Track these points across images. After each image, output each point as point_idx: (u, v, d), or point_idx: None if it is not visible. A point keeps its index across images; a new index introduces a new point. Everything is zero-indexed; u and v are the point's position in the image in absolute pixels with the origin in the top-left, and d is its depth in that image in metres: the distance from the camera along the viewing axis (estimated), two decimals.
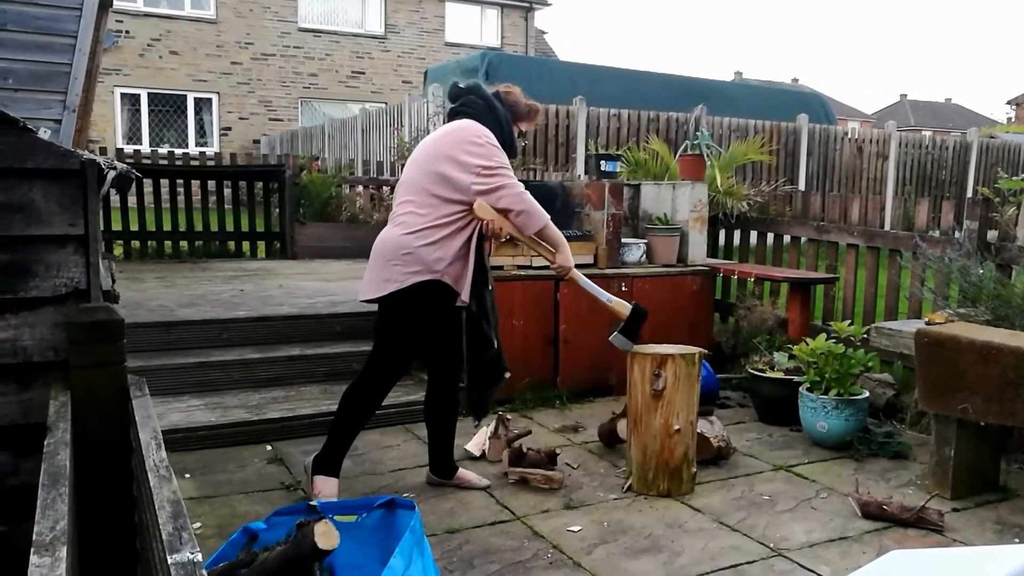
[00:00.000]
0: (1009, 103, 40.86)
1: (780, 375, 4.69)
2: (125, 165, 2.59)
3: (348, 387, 3.53)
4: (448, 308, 3.39)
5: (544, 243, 3.45)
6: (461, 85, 3.63)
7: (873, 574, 1.97)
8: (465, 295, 3.37)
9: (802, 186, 12.05)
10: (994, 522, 3.40)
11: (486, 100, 3.49)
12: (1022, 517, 3.42)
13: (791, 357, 4.71)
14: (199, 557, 0.98)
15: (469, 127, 3.36)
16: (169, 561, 0.96)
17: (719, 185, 6.27)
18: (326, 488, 3.41)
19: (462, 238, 3.30)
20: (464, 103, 3.52)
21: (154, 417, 1.61)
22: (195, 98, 18.68)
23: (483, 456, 4.06)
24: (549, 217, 3.37)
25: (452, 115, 3.55)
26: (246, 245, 9.49)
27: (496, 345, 3.57)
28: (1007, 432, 3.87)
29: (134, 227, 8.96)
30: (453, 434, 3.75)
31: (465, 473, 3.74)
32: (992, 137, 16.53)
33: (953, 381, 3.55)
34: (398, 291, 3.26)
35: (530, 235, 3.38)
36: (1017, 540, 3.19)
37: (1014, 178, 4.87)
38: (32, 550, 1.02)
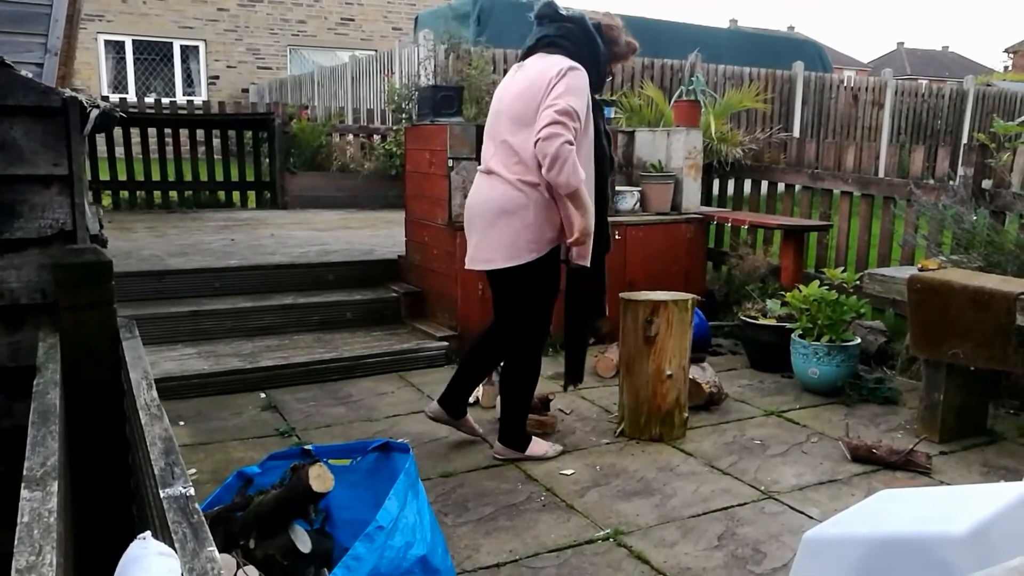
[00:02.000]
0: (1006, 51, 40.49)
1: (772, 322, 4.71)
2: (108, 104, 2.54)
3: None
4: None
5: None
6: (561, 10, 3.19)
7: (861, 513, 1.99)
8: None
9: (797, 134, 11.95)
10: (981, 464, 3.45)
11: (586, 33, 3.14)
12: (1008, 460, 3.48)
13: (783, 304, 4.72)
14: (192, 491, 0.98)
15: (558, 67, 3.01)
16: (162, 495, 0.95)
17: (713, 132, 6.21)
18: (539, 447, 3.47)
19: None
20: (561, 31, 3.13)
21: (144, 358, 1.60)
22: (181, 46, 18.26)
23: (476, 403, 4.07)
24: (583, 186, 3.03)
25: (542, 43, 3.15)
26: (236, 195, 9.39)
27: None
28: (996, 377, 3.90)
29: (122, 177, 8.85)
30: (481, 380, 3.69)
31: (470, 420, 3.59)
32: (989, 85, 16.37)
33: (944, 327, 3.56)
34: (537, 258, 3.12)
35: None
36: (1002, 480, 3.24)
37: (1009, 123, 4.81)
38: (23, 484, 1.02)
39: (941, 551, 1.61)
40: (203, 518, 0.90)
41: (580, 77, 3.03)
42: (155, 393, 1.40)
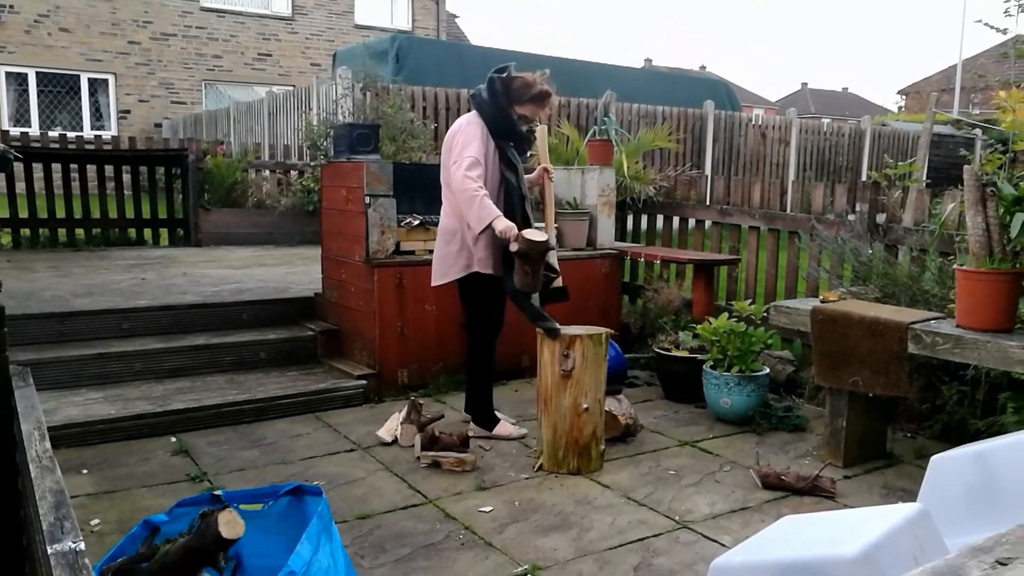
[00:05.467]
0: (900, 93, 42.98)
1: (685, 354, 4.83)
2: (2, 144, 2.43)
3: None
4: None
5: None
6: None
7: (765, 540, 2.06)
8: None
9: (708, 171, 12.38)
10: (881, 487, 3.61)
11: (486, 85, 3.98)
12: (906, 481, 3.64)
13: (695, 336, 4.85)
14: (82, 546, 0.95)
15: (456, 125, 4.01)
16: (49, 552, 0.92)
17: (626, 171, 6.38)
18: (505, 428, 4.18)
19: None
20: (474, 92, 4.06)
21: (38, 407, 1.54)
22: (89, 79, 17.73)
23: (395, 442, 4.04)
24: (483, 217, 3.81)
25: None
26: (147, 233, 9.12)
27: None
28: (894, 402, 4.10)
29: (23, 214, 8.48)
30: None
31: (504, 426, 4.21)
32: (884, 125, 17.33)
33: (845, 355, 3.73)
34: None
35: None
36: (900, 502, 3.39)
37: (900, 163, 5.12)
38: None
39: (836, 572, 1.68)
40: (92, 573, 0.88)
41: (469, 129, 3.92)
42: (48, 444, 1.35)
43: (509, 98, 3.95)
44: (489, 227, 3.79)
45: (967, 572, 1.15)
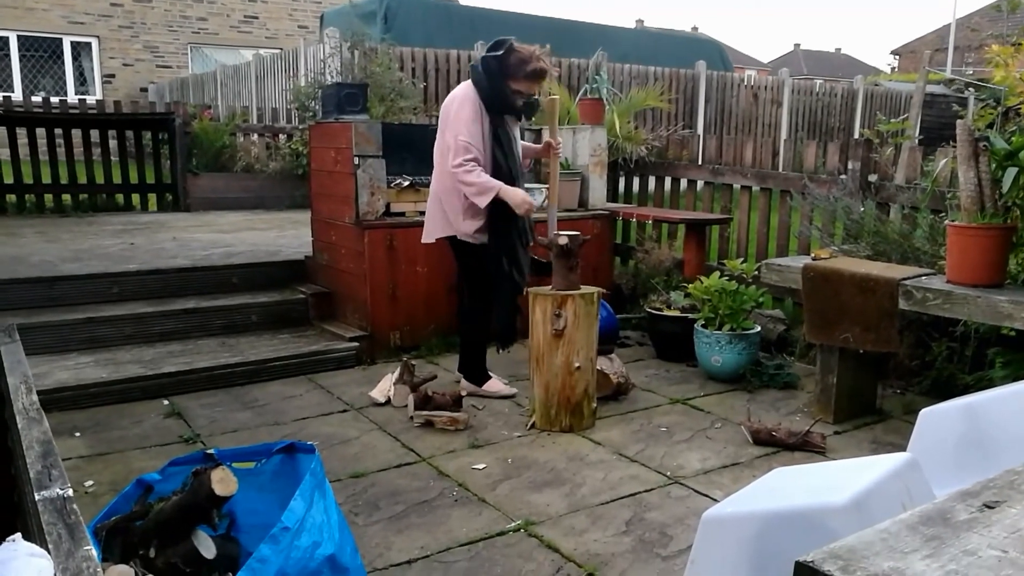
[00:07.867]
0: (892, 53, 42.62)
1: (676, 313, 4.84)
2: None
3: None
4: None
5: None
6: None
7: (756, 491, 2.08)
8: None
9: (700, 131, 12.30)
10: (870, 442, 3.64)
11: (481, 62, 3.88)
12: (895, 436, 3.68)
13: (687, 296, 4.86)
14: (70, 492, 0.94)
15: (452, 96, 3.94)
16: (37, 498, 0.91)
17: (618, 130, 6.32)
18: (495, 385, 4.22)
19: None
20: (473, 64, 3.98)
21: (24, 362, 1.53)
22: (72, 42, 17.40)
23: (388, 402, 4.05)
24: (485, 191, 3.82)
25: None
26: (136, 198, 9.03)
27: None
28: (884, 359, 4.12)
29: (8, 180, 8.38)
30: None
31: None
32: (876, 85, 17.21)
33: (836, 312, 3.74)
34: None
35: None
36: None
37: (892, 120, 5.09)
38: None
39: (826, 520, 1.69)
40: (80, 518, 0.87)
41: (465, 106, 3.84)
42: (35, 397, 1.34)
43: (504, 72, 3.82)
44: (495, 199, 3.80)
45: (955, 515, 1.16)
